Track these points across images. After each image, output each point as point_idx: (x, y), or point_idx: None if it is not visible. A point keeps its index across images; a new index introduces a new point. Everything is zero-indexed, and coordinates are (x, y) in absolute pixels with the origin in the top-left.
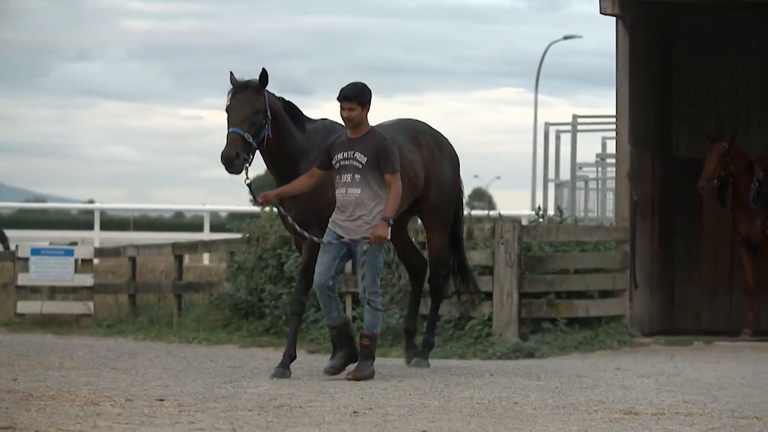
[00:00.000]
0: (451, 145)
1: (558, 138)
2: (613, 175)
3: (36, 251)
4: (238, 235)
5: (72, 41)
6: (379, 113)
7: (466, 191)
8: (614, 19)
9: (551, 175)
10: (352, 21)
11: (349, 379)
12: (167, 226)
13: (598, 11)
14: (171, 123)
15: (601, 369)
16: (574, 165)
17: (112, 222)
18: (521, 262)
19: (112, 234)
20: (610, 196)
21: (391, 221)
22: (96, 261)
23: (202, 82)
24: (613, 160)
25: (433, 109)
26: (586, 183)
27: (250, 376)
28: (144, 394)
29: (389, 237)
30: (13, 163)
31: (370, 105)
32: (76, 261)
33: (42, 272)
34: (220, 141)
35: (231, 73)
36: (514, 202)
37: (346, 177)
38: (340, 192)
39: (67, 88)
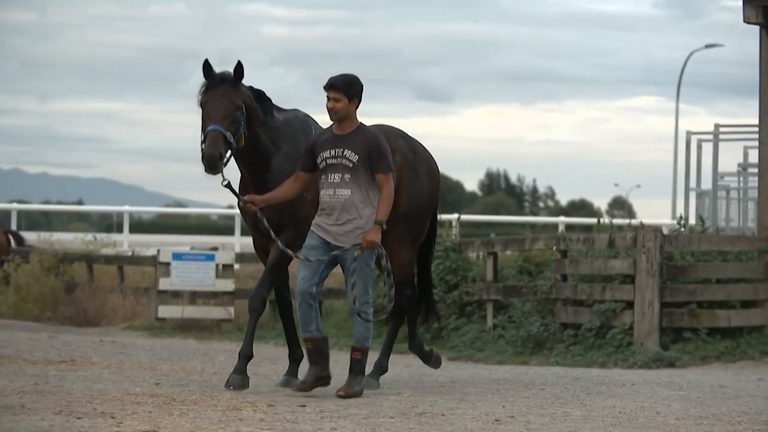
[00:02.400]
0: (430, 154)
1: (699, 147)
2: (755, 184)
3: (177, 256)
4: None
5: (214, 47)
6: (520, 122)
7: (606, 199)
8: (758, 28)
9: (692, 184)
10: (490, 28)
11: (339, 396)
12: None
13: (741, 20)
14: None
15: (743, 379)
16: (716, 174)
17: None
18: (663, 271)
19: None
20: (752, 206)
21: (384, 225)
22: (237, 266)
23: None
24: (756, 170)
25: (572, 118)
26: (728, 192)
27: (391, 382)
28: (286, 400)
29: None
30: (154, 168)
31: (359, 100)
32: (217, 266)
33: (183, 277)
34: None
35: (206, 61)
36: (655, 211)
37: (334, 177)
38: (326, 193)
39: None
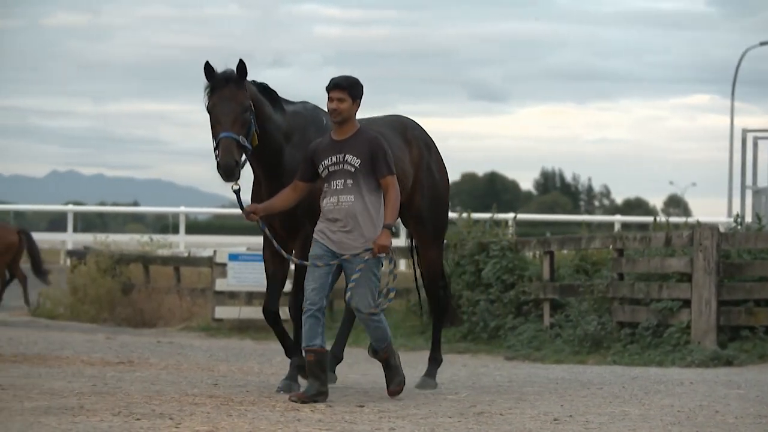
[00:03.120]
0: (439, 151)
1: (755, 145)
2: None
3: (234, 257)
4: None
5: (267, 47)
6: (575, 120)
7: (661, 197)
8: None
9: (748, 182)
10: (544, 28)
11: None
12: None
13: None
14: None
15: None
16: None
17: None
18: (720, 269)
19: None
20: None
21: (393, 228)
22: (292, 266)
23: (395, 88)
24: None
25: (626, 116)
26: None
27: (449, 382)
28: (344, 400)
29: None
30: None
31: (360, 102)
32: None
33: (240, 278)
34: None
35: (207, 63)
36: (710, 209)
37: (337, 183)
38: (329, 201)
39: None
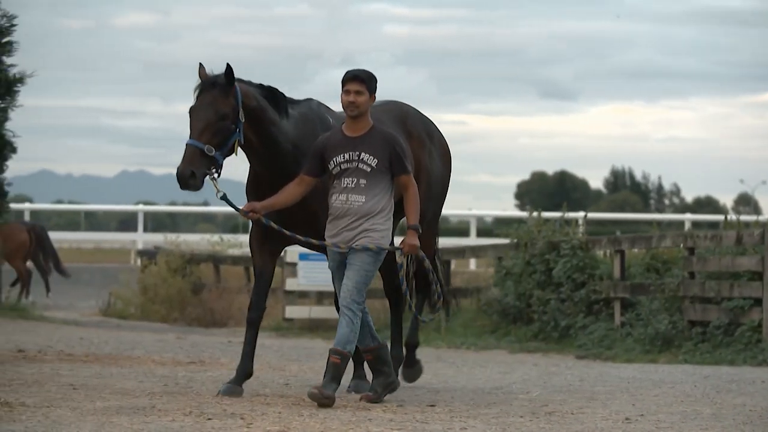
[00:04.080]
0: (442, 135)
1: None
2: None
3: (304, 256)
4: (506, 241)
5: (336, 47)
6: (644, 119)
7: (731, 195)
8: None
9: None
10: (614, 26)
11: (311, 395)
12: None
13: None
14: None
15: None
16: None
17: None
18: None
19: None
20: None
21: (420, 229)
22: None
23: (465, 86)
24: None
25: (696, 114)
26: None
27: (520, 382)
28: (415, 400)
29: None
30: None
31: (375, 97)
32: None
33: (310, 277)
34: (485, 146)
35: (201, 65)
36: None
37: (348, 182)
38: (338, 198)
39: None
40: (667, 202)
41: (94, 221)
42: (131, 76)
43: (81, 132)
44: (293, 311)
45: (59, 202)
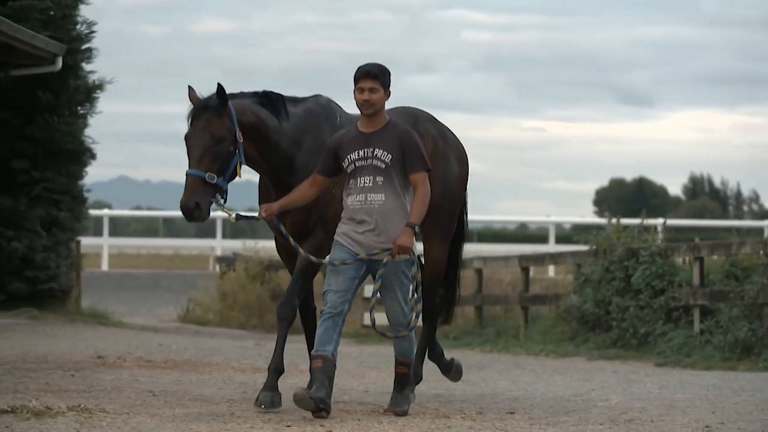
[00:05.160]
0: (458, 139)
1: None
2: None
3: None
4: (585, 247)
5: (414, 53)
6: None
7: None
8: None
9: None
10: (692, 31)
11: (385, 411)
12: (511, 237)
13: None
14: (513, 134)
15: None
16: None
17: None
18: None
19: None
20: None
21: (417, 228)
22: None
23: (544, 93)
24: None
25: None
26: None
27: (599, 389)
28: (494, 407)
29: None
30: None
31: (390, 91)
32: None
33: None
34: (563, 153)
35: (190, 88)
36: None
37: (365, 180)
38: (356, 199)
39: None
40: (746, 208)
41: (172, 227)
42: (209, 82)
43: (159, 138)
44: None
45: (138, 208)
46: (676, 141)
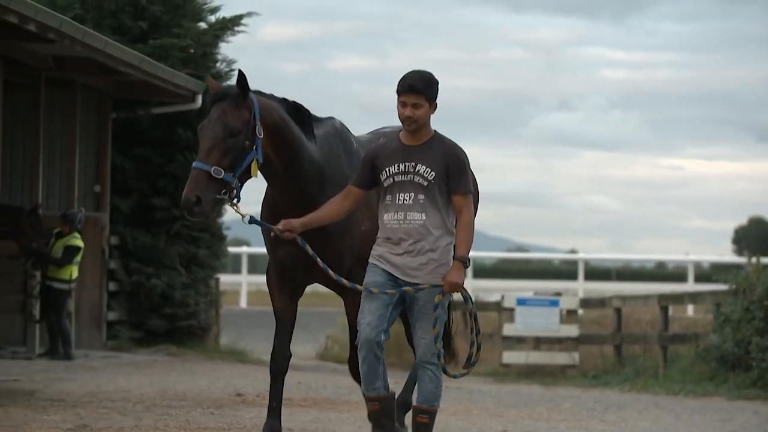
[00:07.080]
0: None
1: None
2: None
3: (521, 301)
4: (724, 286)
5: (553, 91)
6: None
7: None
8: None
9: None
10: None
11: None
12: (649, 276)
13: None
14: (651, 172)
15: None
16: None
17: (594, 272)
18: None
19: (595, 284)
20: None
21: (468, 262)
22: (581, 311)
23: (682, 131)
24: None
25: None
26: None
27: (739, 429)
28: None
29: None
30: (496, 212)
31: (437, 104)
32: (561, 311)
33: (527, 323)
34: (701, 191)
35: (209, 77)
36: None
37: (404, 197)
38: (393, 218)
39: (548, 137)
40: None
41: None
42: (346, 118)
43: None
44: (510, 357)
45: None
46: None
